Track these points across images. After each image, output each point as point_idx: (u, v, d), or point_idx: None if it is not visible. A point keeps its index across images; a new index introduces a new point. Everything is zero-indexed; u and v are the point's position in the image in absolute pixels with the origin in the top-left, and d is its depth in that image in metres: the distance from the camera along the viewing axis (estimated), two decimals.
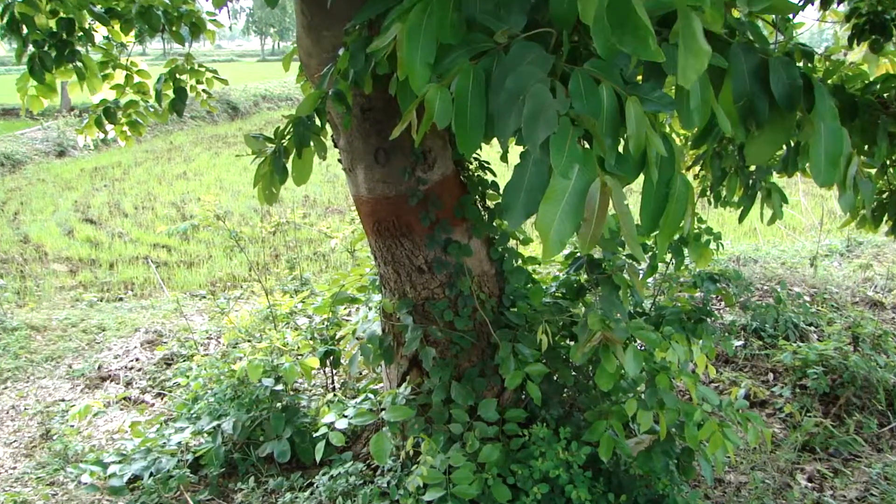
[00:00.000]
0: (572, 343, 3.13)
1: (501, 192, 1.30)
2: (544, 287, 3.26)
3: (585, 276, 3.15)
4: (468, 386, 2.94)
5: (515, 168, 1.23)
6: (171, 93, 3.65)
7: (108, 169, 14.48)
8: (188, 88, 3.85)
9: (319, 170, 13.80)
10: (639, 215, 1.42)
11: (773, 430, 3.88)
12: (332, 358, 3.91)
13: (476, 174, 3.09)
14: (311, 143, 2.24)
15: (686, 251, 3.25)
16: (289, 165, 2.30)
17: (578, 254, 3.13)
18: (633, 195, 10.38)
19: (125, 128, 3.94)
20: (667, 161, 1.36)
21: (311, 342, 4.01)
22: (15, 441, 4.07)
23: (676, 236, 3.21)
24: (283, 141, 2.34)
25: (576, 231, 1.14)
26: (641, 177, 1.43)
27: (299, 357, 3.78)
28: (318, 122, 2.23)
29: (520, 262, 3.20)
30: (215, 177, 13.67)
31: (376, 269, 3.17)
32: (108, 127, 3.88)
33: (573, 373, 3.09)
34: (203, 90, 4.08)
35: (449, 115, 1.33)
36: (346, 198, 11.64)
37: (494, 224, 3.06)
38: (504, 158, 2.36)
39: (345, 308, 5.24)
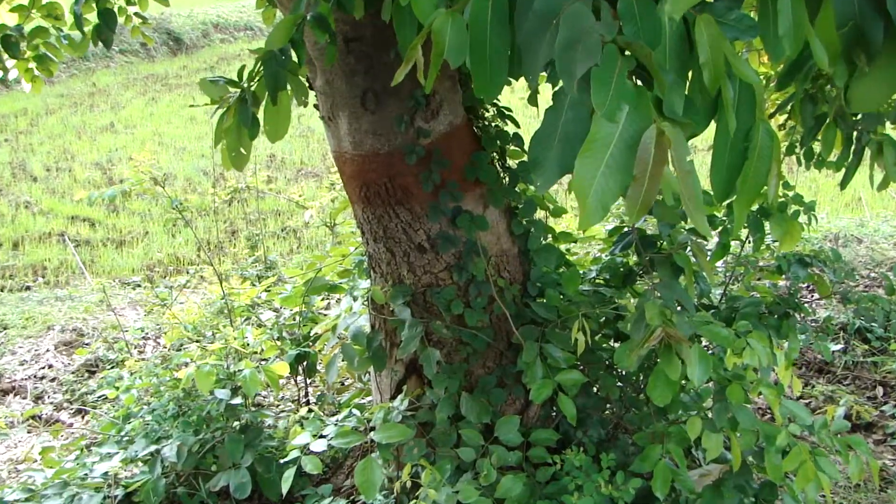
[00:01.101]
0: (617, 344, 3.15)
1: (528, 143, 1.30)
2: (581, 271, 3.28)
3: (635, 258, 3.15)
4: (482, 399, 2.97)
5: (547, 112, 1.23)
6: (93, 17, 3.63)
7: (9, 118, 14.50)
8: (116, 11, 3.82)
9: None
10: (708, 177, 1.42)
11: (883, 461, 3.90)
12: (305, 363, 3.93)
13: (494, 124, 3.09)
14: (288, 85, 2.23)
15: (768, 225, 3.25)
16: (260, 116, 2.30)
17: (626, 228, 3.14)
18: (698, 155, 10.34)
19: (31, 64, 3.90)
20: (746, 105, 1.36)
21: (279, 343, 4.04)
22: None
23: (756, 206, 3.22)
24: (252, 84, 2.34)
25: (623, 193, 1.15)
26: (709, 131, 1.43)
27: (263, 362, 3.81)
28: (294, 56, 2.22)
29: (550, 238, 3.21)
30: (152, 129, 13.68)
31: (363, 247, 3.18)
32: (10, 63, 3.85)
33: (619, 382, 3.11)
34: (135, 14, 4.07)
35: (464, 49, 1.33)
36: (324, 156, 11.65)
37: (517, 189, 3.07)
38: (533, 101, 2.36)
39: (322, 299, 5.26)
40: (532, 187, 3.15)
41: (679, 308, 2.52)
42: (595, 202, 1.16)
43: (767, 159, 1.38)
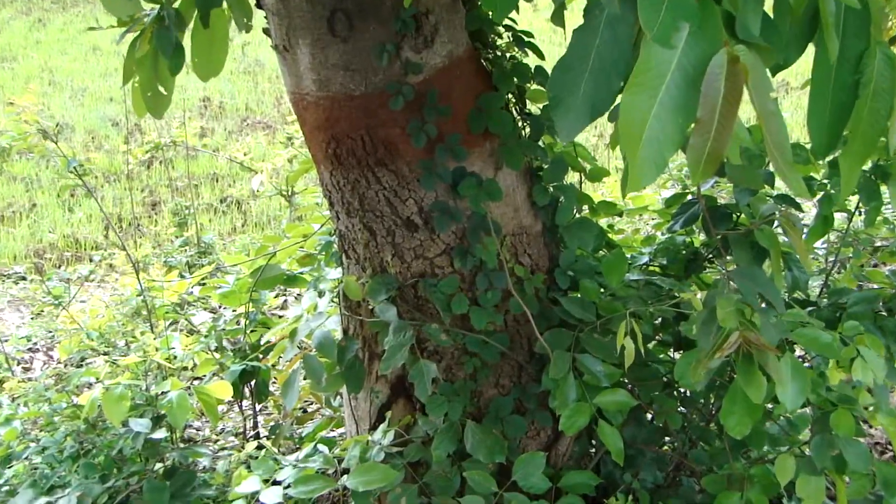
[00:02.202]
0: (679, 354, 3.16)
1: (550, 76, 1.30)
2: (629, 255, 3.28)
3: (703, 236, 3.15)
4: (495, 430, 2.98)
5: (575, 34, 1.23)
6: None
7: None
8: None
9: (229, 52, 13.75)
10: (805, 123, 1.43)
11: None
12: (253, 383, 3.95)
13: (509, 55, 3.09)
14: (224, 3, 2.23)
15: (886, 191, 3.25)
16: (187, 43, 2.30)
17: (690, 195, 3.14)
18: (791, 95, 10.32)
19: None
20: (856, 22, 1.36)
21: (217, 355, 4.05)
22: None
23: (869, 163, 3.22)
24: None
25: (684, 142, 1.15)
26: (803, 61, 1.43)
27: (196, 382, 3.83)
28: None
29: (586, 210, 3.21)
30: (40, 63, 13.66)
31: (332, 224, 3.19)
32: None
33: (681, 407, 3.12)
34: None
35: None
36: (279, 100, 11.65)
37: (541, 143, 3.07)
38: (558, 18, 2.34)
39: (277, 295, 5.26)
40: (557, 132, 3.14)
41: (763, 305, 2.52)
42: (648, 154, 1.16)
43: (888, 97, 1.38)
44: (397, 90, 2.76)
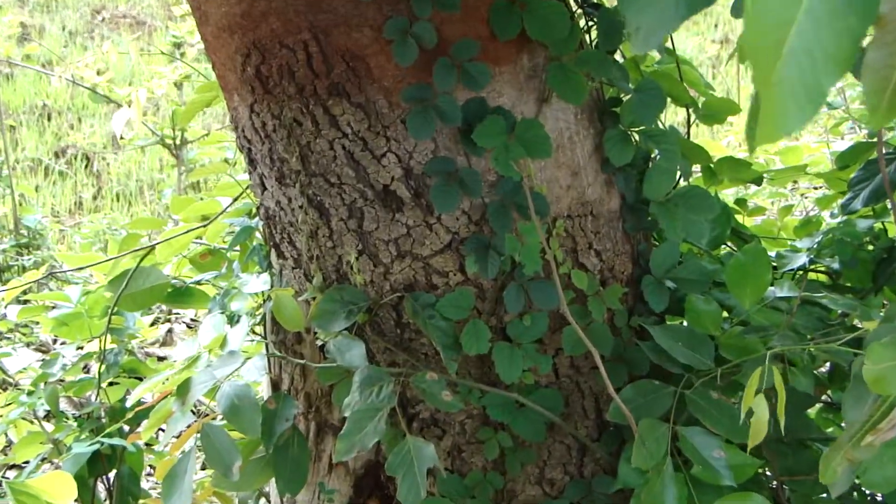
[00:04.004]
0: None
1: None
2: (772, 253, 3.28)
3: None
4: None
5: None
6: None
7: None
8: None
9: None
10: None
11: None
12: (113, 474, 3.97)
13: None
14: None
15: None
16: None
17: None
18: None
19: None
20: None
21: (49, 426, 4.07)
22: None
23: None
24: None
25: (854, 59, 1.14)
26: None
27: (11, 473, 3.85)
28: None
29: (697, 173, 3.22)
30: None
31: (253, 198, 3.20)
32: None
33: None
34: None
35: None
36: None
37: (618, 58, 3.07)
38: None
39: (154, 322, 5.27)
40: (652, 52, 3.16)
41: None
42: (793, 79, 1.12)
43: None
44: None
